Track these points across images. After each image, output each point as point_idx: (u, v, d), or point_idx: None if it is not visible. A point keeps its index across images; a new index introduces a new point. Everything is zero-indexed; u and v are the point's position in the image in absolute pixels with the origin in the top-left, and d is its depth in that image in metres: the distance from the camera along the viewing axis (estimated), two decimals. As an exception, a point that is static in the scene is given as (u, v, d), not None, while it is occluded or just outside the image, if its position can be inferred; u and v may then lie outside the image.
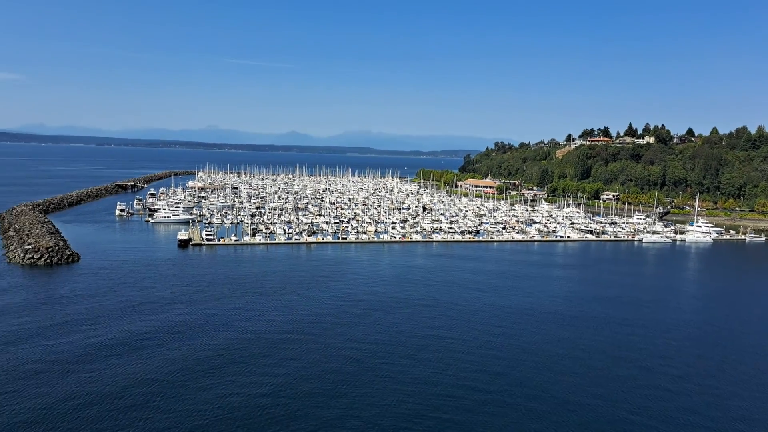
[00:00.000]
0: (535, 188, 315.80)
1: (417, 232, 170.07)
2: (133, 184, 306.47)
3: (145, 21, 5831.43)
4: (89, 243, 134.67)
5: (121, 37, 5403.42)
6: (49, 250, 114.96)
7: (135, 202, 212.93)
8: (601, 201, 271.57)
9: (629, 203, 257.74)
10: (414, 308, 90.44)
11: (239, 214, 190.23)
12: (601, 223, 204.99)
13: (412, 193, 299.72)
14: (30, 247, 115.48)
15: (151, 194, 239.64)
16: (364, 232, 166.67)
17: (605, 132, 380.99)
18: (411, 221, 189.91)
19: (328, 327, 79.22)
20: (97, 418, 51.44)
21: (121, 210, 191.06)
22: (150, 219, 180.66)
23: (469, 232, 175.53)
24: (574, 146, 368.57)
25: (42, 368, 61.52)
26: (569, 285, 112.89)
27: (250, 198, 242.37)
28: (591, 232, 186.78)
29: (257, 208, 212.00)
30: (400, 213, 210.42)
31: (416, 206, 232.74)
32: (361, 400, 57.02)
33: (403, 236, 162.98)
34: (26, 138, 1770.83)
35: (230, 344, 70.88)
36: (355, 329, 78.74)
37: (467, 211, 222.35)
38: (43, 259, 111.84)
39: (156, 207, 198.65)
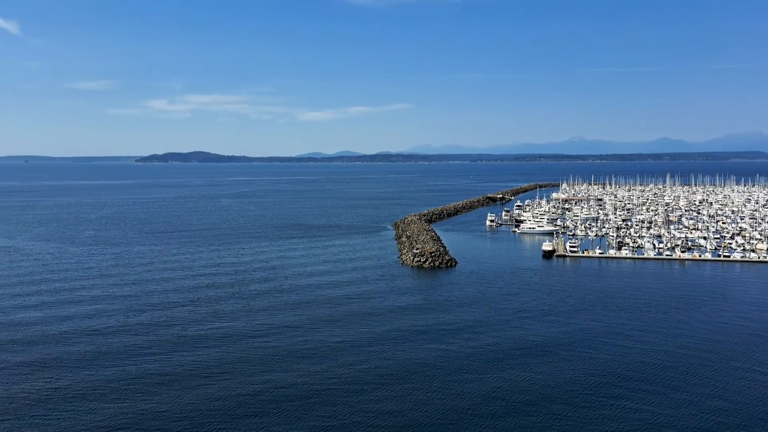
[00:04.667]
0: None
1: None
2: (501, 196, 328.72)
3: (510, 44, 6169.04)
4: (463, 250, 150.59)
5: (492, 63, 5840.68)
6: (432, 254, 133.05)
7: (503, 213, 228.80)
8: None
9: None
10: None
11: (604, 227, 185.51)
12: None
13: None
14: (417, 251, 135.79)
15: (518, 206, 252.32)
16: (753, 250, 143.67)
17: None
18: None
19: (704, 355, 71.81)
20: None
21: (491, 221, 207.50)
22: (516, 229, 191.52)
23: None
24: None
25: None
26: None
27: (616, 210, 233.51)
28: None
29: (623, 220, 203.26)
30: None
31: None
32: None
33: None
34: (415, 158, 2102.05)
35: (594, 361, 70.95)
36: (739, 360, 69.42)
37: None
38: (427, 263, 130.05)
39: (522, 218, 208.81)
